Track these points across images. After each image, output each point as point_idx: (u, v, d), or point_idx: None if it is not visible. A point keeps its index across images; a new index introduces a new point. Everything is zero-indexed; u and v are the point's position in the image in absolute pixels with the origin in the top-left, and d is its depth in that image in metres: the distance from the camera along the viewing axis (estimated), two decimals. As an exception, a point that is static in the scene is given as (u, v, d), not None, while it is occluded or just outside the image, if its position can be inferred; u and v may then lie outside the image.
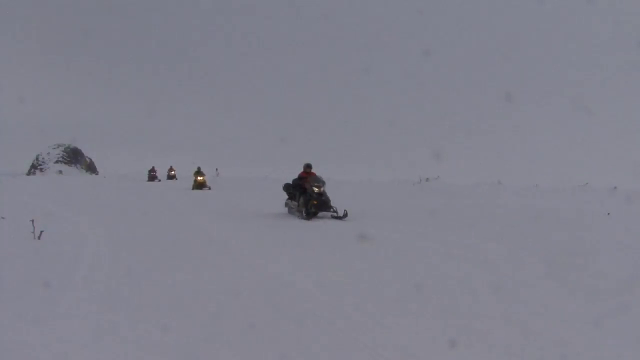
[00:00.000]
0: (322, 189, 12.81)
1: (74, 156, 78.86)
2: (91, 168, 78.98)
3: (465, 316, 4.88)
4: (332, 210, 12.74)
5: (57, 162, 76.15)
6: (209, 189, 26.09)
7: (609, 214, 13.19)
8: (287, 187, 14.22)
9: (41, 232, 8.83)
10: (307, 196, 12.67)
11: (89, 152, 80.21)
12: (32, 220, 9.04)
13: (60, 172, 69.70)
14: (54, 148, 77.95)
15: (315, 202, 12.56)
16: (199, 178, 26.85)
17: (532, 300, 5.42)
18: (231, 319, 4.79)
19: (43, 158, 76.82)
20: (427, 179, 25.88)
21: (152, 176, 35.33)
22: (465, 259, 7.56)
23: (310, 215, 12.51)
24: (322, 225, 11.65)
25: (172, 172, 37.03)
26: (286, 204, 14.21)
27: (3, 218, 11.46)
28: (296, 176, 13.89)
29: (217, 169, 36.64)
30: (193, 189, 26.14)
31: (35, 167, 74.78)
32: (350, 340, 4.28)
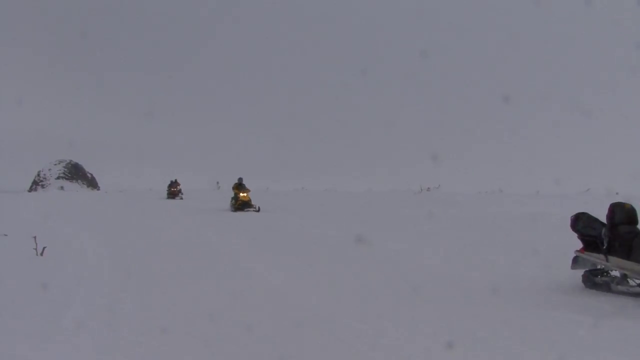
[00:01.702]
0: None
1: (75, 172, 79.07)
2: (92, 184, 79.15)
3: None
4: None
5: (58, 178, 76.27)
6: (257, 210, 18.83)
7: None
8: (584, 225, 6.46)
9: (44, 248, 8.87)
10: None
11: (89, 167, 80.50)
12: (35, 237, 9.09)
13: (62, 188, 69.80)
14: (55, 164, 78.13)
15: None
16: (241, 194, 19.39)
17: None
18: None
19: (44, 174, 77.00)
20: (428, 189, 25.84)
21: (172, 192, 30.00)
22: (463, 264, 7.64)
23: None
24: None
25: (178, 187, 31.18)
26: (577, 261, 6.39)
27: (6, 235, 11.49)
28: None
29: (217, 182, 35.94)
30: (234, 210, 19.13)
31: (37, 184, 74.88)
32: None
